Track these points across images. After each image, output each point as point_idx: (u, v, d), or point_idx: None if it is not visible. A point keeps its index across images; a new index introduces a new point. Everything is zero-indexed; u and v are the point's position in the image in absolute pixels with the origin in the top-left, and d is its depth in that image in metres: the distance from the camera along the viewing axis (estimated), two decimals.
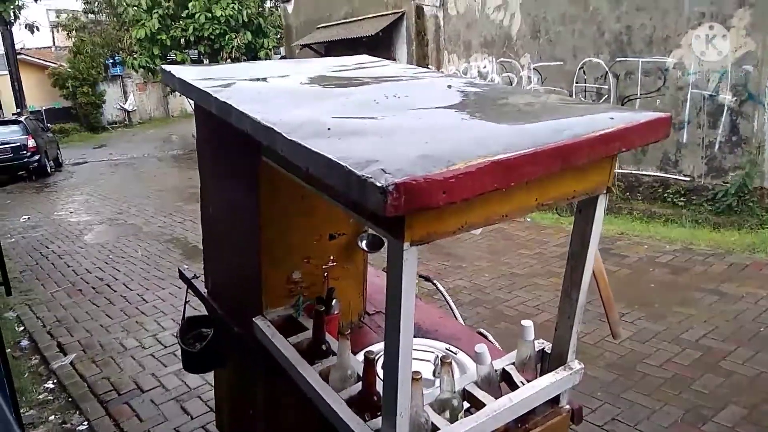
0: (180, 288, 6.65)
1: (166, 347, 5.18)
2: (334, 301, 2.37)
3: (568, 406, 2.06)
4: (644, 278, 5.89)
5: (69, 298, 6.54)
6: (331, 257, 2.43)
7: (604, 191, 1.74)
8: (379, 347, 2.34)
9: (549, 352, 2.11)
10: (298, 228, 2.30)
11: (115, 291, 6.65)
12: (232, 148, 2.25)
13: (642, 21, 8.36)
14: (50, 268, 7.68)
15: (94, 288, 6.79)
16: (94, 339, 5.43)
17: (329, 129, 1.61)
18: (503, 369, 2.00)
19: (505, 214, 1.55)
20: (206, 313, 3.05)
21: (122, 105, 29.42)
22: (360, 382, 1.92)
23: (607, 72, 8.85)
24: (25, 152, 15.63)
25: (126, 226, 9.89)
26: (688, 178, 8.25)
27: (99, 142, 24.16)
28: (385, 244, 2.39)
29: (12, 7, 20.20)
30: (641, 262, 6.31)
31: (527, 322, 1.97)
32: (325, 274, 2.43)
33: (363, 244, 2.44)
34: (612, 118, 1.61)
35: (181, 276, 3.08)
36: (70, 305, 6.31)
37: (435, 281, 3.17)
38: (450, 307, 3.12)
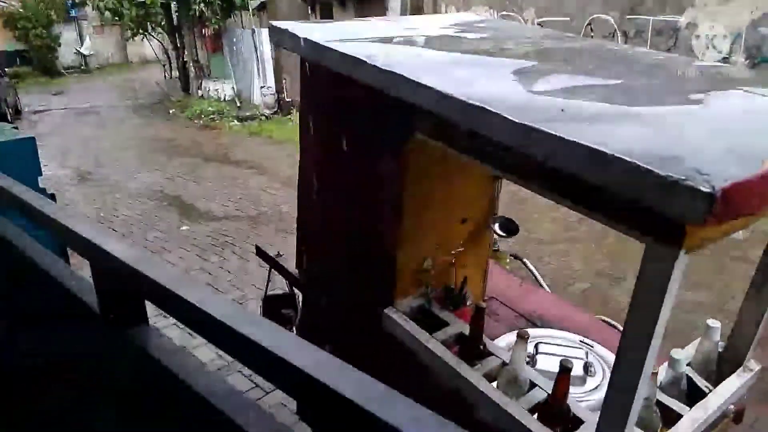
0: (189, 251, 6.33)
1: None
2: (466, 291, 2.16)
3: (732, 407, 1.93)
4: None
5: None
6: (460, 242, 2.20)
7: None
8: (507, 339, 2.17)
9: (721, 351, 1.96)
10: (434, 212, 2.06)
11: None
12: (368, 121, 1.96)
13: None
14: None
15: None
16: None
17: (563, 110, 1.36)
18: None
19: None
20: (283, 291, 2.82)
21: (79, 49, 27.69)
22: (535, 389, 1.74)
23: (615, 30, 8.64)
24: None
25: (110, 182, 9.34)
26: None
27: (57, 89, 22.71)
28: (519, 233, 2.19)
29: None
30: None
31: (714, 323, 1.80)
32: (453, 261, 2.20)
33: (496, 227, 2.22)
34: None
35: (261, 254, 2.79)
36: None
37: (525, 260, 2.99)
38: (541, 285, 2.96)
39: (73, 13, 26.55)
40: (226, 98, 16.35)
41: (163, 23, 19.41)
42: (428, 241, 2.09)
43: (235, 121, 14.13)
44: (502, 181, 2.24)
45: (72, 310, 1.22)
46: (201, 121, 14.58)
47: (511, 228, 2.22)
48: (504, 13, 10.03)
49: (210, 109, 15.27)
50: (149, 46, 25.34)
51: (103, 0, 15.78)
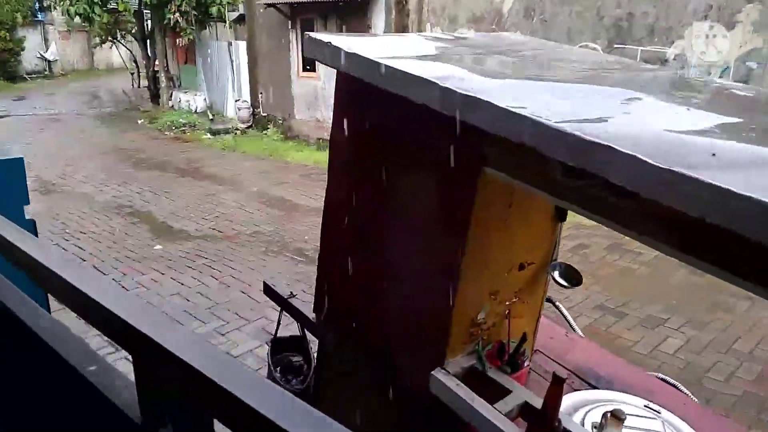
0: (163, 274, 5.89)
1: None
2: (524, 349, 1.88)
3: None
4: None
5: None
6: (516, 291, 1.92)
7: None
8: (564, 404, 1.89)
9: None
10: (494, 257, 1.78)
11: None
12: (427, 153, 1.67)
13: (645, 8, 8.15)
14: None
15: None
16: None
17: (714, 155, 1.11)
18: None
19: None
20: (291, 334, 2.50)
21: (43, 54, 26.74)
22: None
23: None
24: None
25: (75, 195, 8.81)
26: None
27: (18, 94, 21.79)
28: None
29: None
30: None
31: None
32: (506, 312, 1.92)
33: (556, 275, 1.95)
34: None
35: (270, 292, 2.45)
36: None
37: (558, 304, 2.73)
38: (574, 330, 2.70)
39: (39, 16, 25.70)
40: (198, 110, 15.88)
41: (133, 31, 18.86)
42: (483, 291, 1.81)
43: (208, 134, 13.69)
44: (563, 224, 1.98)
45: (95, 412, 0.88)
46: (172, 133, 14.08)
47: (571, 276, 1.96)
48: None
49: (181, 120, 14.77)
50: (117, 54, 24.68)
51: (74, 5, 15.09)
